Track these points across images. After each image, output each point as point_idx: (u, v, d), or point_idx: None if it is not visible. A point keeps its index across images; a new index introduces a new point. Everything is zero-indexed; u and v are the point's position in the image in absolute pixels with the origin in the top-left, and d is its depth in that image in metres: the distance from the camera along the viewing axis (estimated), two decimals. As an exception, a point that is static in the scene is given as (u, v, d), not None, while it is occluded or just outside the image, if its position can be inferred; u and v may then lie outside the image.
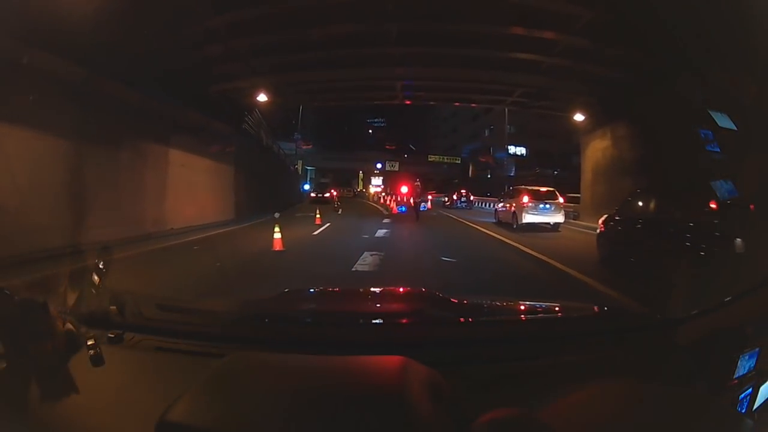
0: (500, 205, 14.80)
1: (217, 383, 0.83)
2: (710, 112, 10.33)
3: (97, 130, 8.33)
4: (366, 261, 6.85)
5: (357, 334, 1.28)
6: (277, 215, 8.09)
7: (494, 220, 14.73)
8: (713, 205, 5.67)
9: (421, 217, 16.06)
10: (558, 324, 1.50)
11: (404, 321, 1.54)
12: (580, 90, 12.98)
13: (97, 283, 1.32)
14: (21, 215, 5.68)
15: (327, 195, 30.22)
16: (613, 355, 1.19)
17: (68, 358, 1.01)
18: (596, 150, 15.59)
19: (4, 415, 0.89)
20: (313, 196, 30.90)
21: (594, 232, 12.12)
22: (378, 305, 2.04)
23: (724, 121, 9.78)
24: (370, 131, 69.85)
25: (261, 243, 8.20)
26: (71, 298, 1.24)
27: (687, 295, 2.79)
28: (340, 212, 20.05)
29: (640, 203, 7.35)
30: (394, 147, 54.30)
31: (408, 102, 16.31)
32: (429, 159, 49.33)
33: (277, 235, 7.70)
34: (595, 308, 1.65)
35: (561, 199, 13.05)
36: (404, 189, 23.40)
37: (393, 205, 21.78)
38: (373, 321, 1.59)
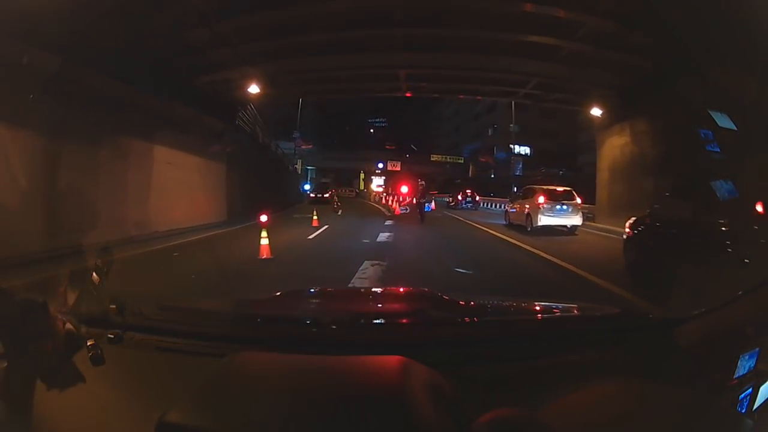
0: (511, 205, 13.76)
1: (217, 383, 0.83)
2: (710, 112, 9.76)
3: (72, 124, 7.73)
4: (366, 273, 5.85)
5: (357, 334, 1.24)
6: (263, 218, 7.06)
7: (505, 222, 13.75)
8: (760, 209, 5.20)
9: (425, 219, 15.01)
10: (558, 324, 1.47)
11: (404, 321, 1.53)
12: (599, 81, 11.96)
13: (96, 283, 1.31)
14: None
15: (327, 195, 29.37)
16: (613, 355, 1.17)
17: (68, 358, 1.01)
18: (613, 147, 14.63)
19: (5, 416, 0.89)
20: (313, 197, 30.15)
21: (614, 236, 11.40)
22: (378, 305, 2.03)
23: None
24: (372, 131, 69.51)
25: (250, 248, 7.32)
26: (71, 298, 1.19)
27: (690, 295, 2.81)
28: (339, 213, 19.20)
29: (677, 205, 6.66)
30: (393, 147, 54.16)
31: (411, 94, 15.04)
32: (431, 159, 48.72)
33: (264, 241, 6.71)
34: (596, 308, 1.62)
35: (578, 200, 12.04)
36: (407, 189, 22.52)
37: (395, 205, 20.76)
38: (374, 321, 1.53)
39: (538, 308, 1.72)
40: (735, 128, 9.84)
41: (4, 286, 0.98)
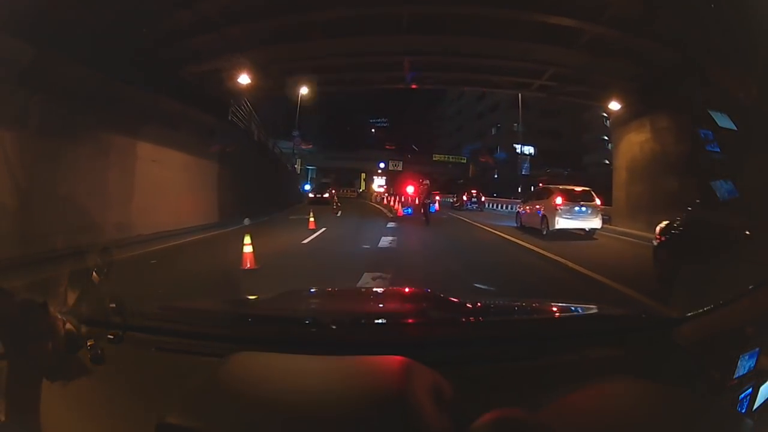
0: (523, 207, 12.77)
1: (217, 384, 0.83)
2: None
3: (45, 118, 7.20)
4: (367, 289, 4.85)
5: (357, 335, 1.23)
6: (246, 222, 6.12)
7: (516, 225, 12.77)
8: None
9: (430, 221, 13.99)
10: (558, 324, 1.45)
11: (405, 321, 1.51)
12: (620, 72, 10.98)
13: (97, 283, 1.28)
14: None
15: (327, 195, 28.46)
16: (613, 355, 1.17)
17: (68, 358, 1.01)
18: (632, 144, 13.67)
19: (5, 415, 0.89)
20: (312, 197, 29.28)
21: (636, 240, 10.50)
22: (379, 305, 2.04)
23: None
24: (373, 130, 69.09)
25: (236, 255, 6.43)
26: (71, 298, 1.17)
27: (688, 294, 2.90)
28: (339, 214, 18.31)
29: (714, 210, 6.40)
30: (395, 147, 53.84)
31: (416, 86, 13.93)
32: (434, 158, 48.05)
33: (248, 249, 5.75)
34: (596, 308, 1.59)
35: (598, 201, 11.07)
36: (410, 189, 21.67)
37: (398, 206, 19.78)
38: (374, 321, 1.51)
39: (538, 308, 1.71)
40: (735, 129, 9.48)
41: (4, 287, 0.97)
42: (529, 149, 39.11)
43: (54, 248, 5.54)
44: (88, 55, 7.69)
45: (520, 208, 13.21)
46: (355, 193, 46.49)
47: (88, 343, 1.04)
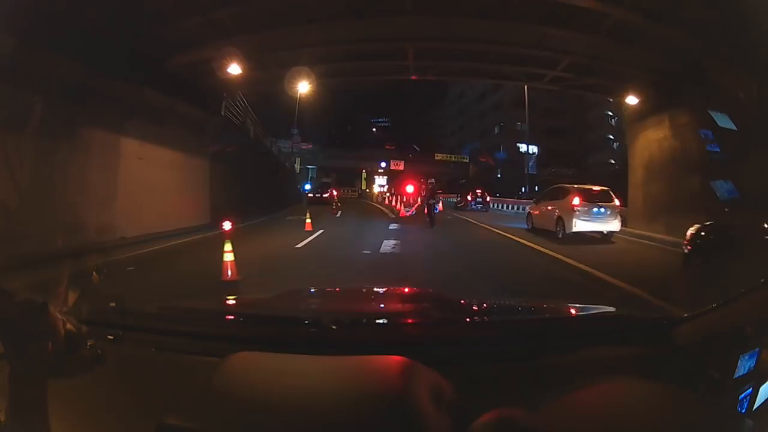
0: (535, 207, 11.95)
1: (216, 384, 0.82)
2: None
3: (16, 112, 6.71)
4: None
5: (358, 334, 1.23)
6: (227, 225, 5.33)
7: (526, 227, 11.97)
8: None
9: (436, 222, 13.14)
10: (558, 324, 1.44)
11: (405, 321, 1.52)
12: (641, 63, 10.13)
13: (97, 283, 1.31)
14: None
15: (326, 195, 27.67)
16: (613, 355, 1.17)
17: (68, 358, 0.99)
18: (650, 141, 12.87)
19: (5, 416, 0.89)
20: (311, 197, 28.52)
21: (657, 245, 9.73)
22: (379, 305, 2.03)
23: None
24: (374, 129, 68.70)
25: (220, 262, 5.64)
26: (71, 299, 1.13)
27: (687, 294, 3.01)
28: (338, 215, 17.55)
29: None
30: (393, 147, 53.36)
31: (420, 77, 12.88)
32: (435, 158, 47.30)
33: (228, 257, 4.95)
34: (596, 308, 1.59)
35: (617, 201, 10.28)
36: (412, 189, 20.95)
37: (400, 206, 18.96)
38: (374, 321, 1.51)
39: (538, 308, 1.71)
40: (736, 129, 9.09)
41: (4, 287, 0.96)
42: (532, 148, 38.29)
43: (25, 253, 5.16)
44: (65, 45, 7.09)
45: (531, 209, 12.38)
46: (356, 193, 46.06)
47: (88, 343, 1.03)
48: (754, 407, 0.98)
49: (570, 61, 10.48)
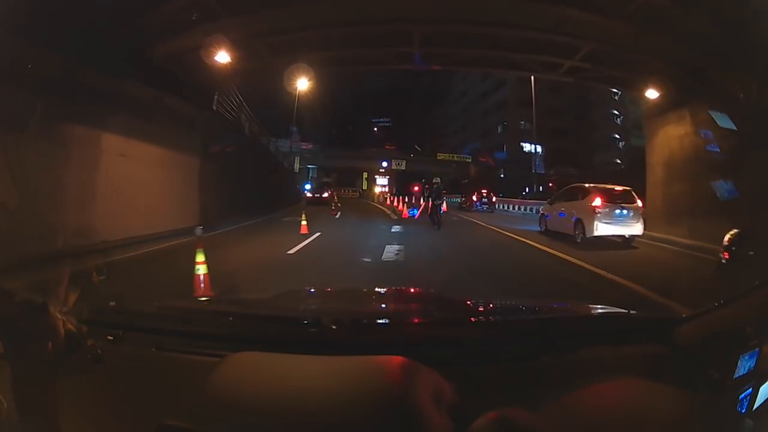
0: (550, 209, 11.09)
1: (216, 384, 0.82)
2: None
3: None
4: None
5: (358, 335, 1.21)
6: (198, 231, 4.53)
7: (539, 229, 11.13)
8: None
9: (441, 224, 12.29)
10: (558, 324, 1.43)
11: (405, 321, 1.52)
12: (666, 53, 9.29)
13: (97, 284, 1.32)
14: None
15: (325, 195, 26.87)
16: (613, 355, 1.16)
17: (68, 358, 1.00)
18: (670, 138, 12.05)
19: (5, 416, 0.89)
20: (310, 197, 27.73)
21: (681, 249, 8.93)
22: (379, 305, 2.03)
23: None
24: (375, 129, 68.37)
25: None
26: (71, 299, 1.13)
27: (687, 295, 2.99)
28: (338, 216, 16.71)
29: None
30: (394, 146, 52.47)
31: (425, 67, 11.94)
32: (438, 157, 46.47)
33: (201, 270, 4.12)
34: (596, 308, 1.58)
35: (639, 202, 9.45)
36: (418, 188, 20.21)
37: (403, 207, 18.10)
38: (375, 321, 1.52)
39: (538, 308, 1.70)
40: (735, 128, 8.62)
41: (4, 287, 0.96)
42: (538, 147, 37.54)
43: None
44: (38, 32, 6.42)
45: (544, 210, 11.53)
46: (357, 193, 45.43)
47: (88, 343, 1.04)
48: (754, 407, 0.99)
49: (589, 49, 9.60)
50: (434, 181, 13.67)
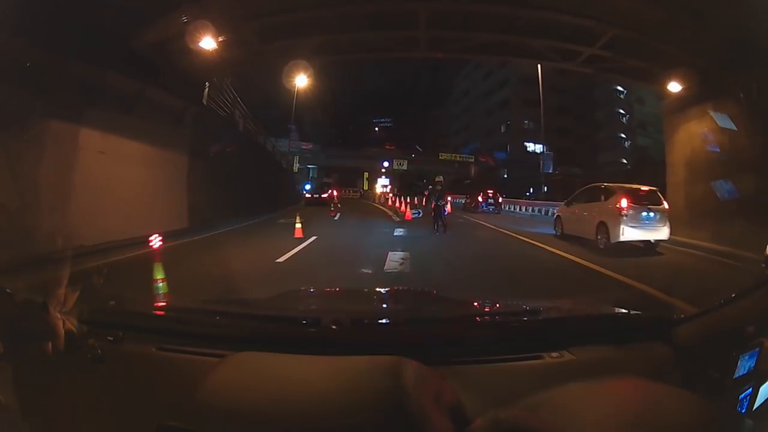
0: (566, 211, 10.22)
1: (217, 384, 0.82)
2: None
3: None
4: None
5: (357, 335, 1.23)
6: (156, 241, 3.72)
7: (555, 233, 10.29)
8: None
9: (447, 227, 11.43)
10: (558, 324, 1.42)
11: (405, 321, 1.52)
12: (692, 42, 8.47)
13: (97, 284, 1.31)
14: None
15: (325, 196, 26.01)
16: (613, 355, 1.17)
17: (68, 358, 1.00)
18: (692, 135, 11.27)
19: (5, 415, 0.88)
20: (309, 197, 26.91)
21: (712, 257, 8.00)
22: (379, 305, 2.01)
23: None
24: (376, 129, 67.98)
25: (183, 281, 4.16)
26: (71, 299, 1.11)
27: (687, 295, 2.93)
28: (336, 217, 15.86)
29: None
30: (394, 146, 51.92)
31: (432, 53, 10.89)
32: (440, 157, 45.70)
33: (159, 289, 3.30)
34: (596, 308, 1.60)
35: (665, 204, 8.61)
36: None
37: (406, 208, 17.26)
38: (375, 321, 1.52)
39: (538, 308, 1.67)
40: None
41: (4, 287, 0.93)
42: (539, 147, 36.78)
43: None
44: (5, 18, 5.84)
45: (560, 211, 10.67)
46: (358, 194, 44.70)
47: (88, 343, 1.03)
48: (754, 407, 0.98)
49: (613, 35, 8.71)
50: (437, 179, 12.84)
